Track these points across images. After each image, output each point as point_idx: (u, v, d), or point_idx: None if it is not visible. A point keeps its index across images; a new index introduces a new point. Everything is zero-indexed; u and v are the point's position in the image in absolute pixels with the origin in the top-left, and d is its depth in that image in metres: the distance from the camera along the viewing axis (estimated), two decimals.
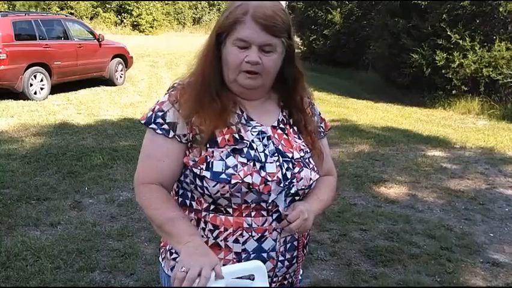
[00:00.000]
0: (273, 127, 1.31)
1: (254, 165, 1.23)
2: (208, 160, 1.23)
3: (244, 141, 1.25)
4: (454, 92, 9.97)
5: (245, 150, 1.24)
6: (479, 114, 9.63)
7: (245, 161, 1.22)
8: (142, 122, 1.30)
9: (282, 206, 1.26)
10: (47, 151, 5.53)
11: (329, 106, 10.01)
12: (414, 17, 10.22)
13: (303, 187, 1.29)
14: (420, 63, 10.03)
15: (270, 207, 1.25)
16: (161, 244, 1.42)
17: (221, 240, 1.25)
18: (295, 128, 1.36)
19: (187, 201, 1.31)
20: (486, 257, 3.55)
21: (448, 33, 9.61)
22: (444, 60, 9.68)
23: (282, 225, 1.24)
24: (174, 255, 1.34)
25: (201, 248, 1.14)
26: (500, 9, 9.35)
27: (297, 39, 19.15)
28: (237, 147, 1.24)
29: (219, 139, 1.24)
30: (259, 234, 1.25)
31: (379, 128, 7.95)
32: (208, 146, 1.24)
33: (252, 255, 1.25)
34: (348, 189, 4.88)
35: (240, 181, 1.20)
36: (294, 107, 1.36)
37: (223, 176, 1.20)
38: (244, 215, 1.24)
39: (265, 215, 1.25)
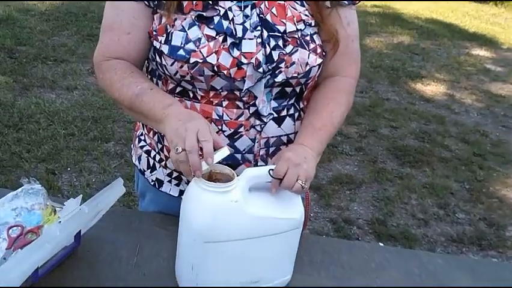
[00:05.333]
0: None
1: (225, 40, 0.92)
2: (168, 30, 0.94)
3: (217, 8, 0.93)
4: None
5: (216, 19, 0.93)
6: None
7: (213, 33, 0.92)
8: None
9: (261, 98, 0.98)
10: (67, 10, 5.28)
11: None
12: None
13: (295, 75, 0.98)
14: None
15: (246, 98, 0.97)
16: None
17: None
18: None
19: (154, 80, 1.05)
20: None
21: None
22: None
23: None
24: (142, 143, 1.12)
25: (182, 114, 0.89)
26: None
27: None
28: (204, 14, 0.93)
29: (185, 3, 0.93)
30: (232, 130, 0.98)
31: (423, 19, 7.43)
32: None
33: None
34: (383, 82, 4.64)
35: (201, 60, 0.92)
36: None
37: (181, 52, 0.93)
38: (214, 103, 0.98)
39: (242, 107, 0.98)
